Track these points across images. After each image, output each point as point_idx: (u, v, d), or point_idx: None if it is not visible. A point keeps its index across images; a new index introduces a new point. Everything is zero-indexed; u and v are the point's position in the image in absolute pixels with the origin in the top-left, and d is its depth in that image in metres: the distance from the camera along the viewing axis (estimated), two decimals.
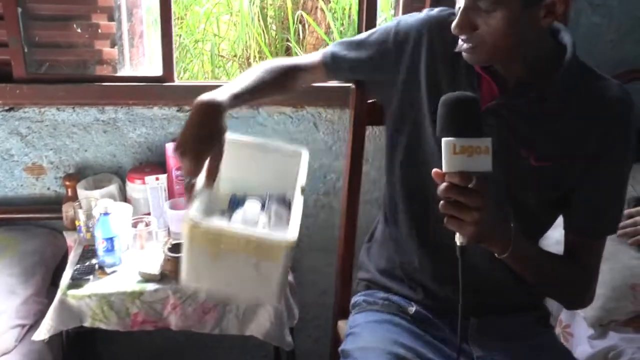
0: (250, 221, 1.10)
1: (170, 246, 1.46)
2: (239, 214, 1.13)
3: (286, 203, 1.17)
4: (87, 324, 1.42)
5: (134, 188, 1.66)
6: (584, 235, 1.14)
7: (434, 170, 0.92)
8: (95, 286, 1.42)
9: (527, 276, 1.13)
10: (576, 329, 1.56)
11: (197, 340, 1.92)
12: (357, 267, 1.40)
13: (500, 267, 1.08)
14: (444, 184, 0.90)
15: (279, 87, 1.23)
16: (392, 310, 1.22)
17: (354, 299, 1.32)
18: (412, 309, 1.21)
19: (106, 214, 1.44)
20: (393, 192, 1.25)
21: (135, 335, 1.63)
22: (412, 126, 1.18)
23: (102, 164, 1.77)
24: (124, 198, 1.70)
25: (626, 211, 1.63)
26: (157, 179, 1.62)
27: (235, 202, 1.18)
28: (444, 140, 0.89)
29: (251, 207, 1.14)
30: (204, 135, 1.01)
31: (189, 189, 1.01)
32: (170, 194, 1.67)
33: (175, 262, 1.42)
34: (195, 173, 1.00)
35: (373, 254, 1.33)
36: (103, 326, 1.42)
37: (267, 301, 1.03)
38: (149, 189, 1.62)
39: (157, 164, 1.74)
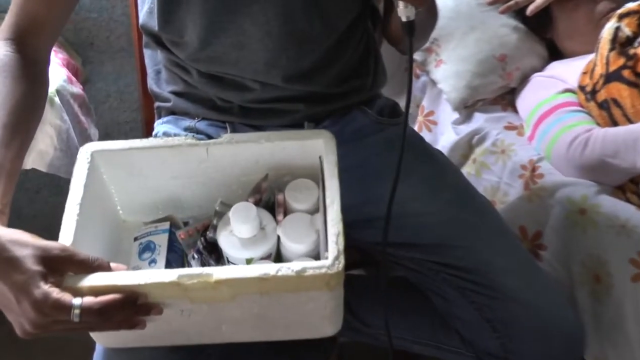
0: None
1: None
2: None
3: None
4: None
5: None
6: None
7: None
8: None
9: (428, 24, 0.94)
10: (440, 115, 1.37)
11: None
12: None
13: (337, 59, 0.94)
14: None
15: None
16: None
17: (155, 129, 1.04)
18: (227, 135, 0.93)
19: None
20: None
21: None
22: None
23: None
24: None
25: None
26: None
27: None
28: None
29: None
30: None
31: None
32: None
33: None
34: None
35: (163, 79, 1.01)
36: None
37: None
38: None
39: None
